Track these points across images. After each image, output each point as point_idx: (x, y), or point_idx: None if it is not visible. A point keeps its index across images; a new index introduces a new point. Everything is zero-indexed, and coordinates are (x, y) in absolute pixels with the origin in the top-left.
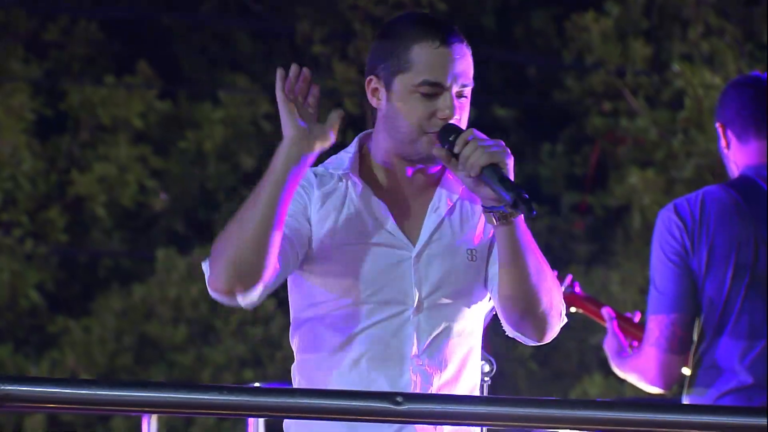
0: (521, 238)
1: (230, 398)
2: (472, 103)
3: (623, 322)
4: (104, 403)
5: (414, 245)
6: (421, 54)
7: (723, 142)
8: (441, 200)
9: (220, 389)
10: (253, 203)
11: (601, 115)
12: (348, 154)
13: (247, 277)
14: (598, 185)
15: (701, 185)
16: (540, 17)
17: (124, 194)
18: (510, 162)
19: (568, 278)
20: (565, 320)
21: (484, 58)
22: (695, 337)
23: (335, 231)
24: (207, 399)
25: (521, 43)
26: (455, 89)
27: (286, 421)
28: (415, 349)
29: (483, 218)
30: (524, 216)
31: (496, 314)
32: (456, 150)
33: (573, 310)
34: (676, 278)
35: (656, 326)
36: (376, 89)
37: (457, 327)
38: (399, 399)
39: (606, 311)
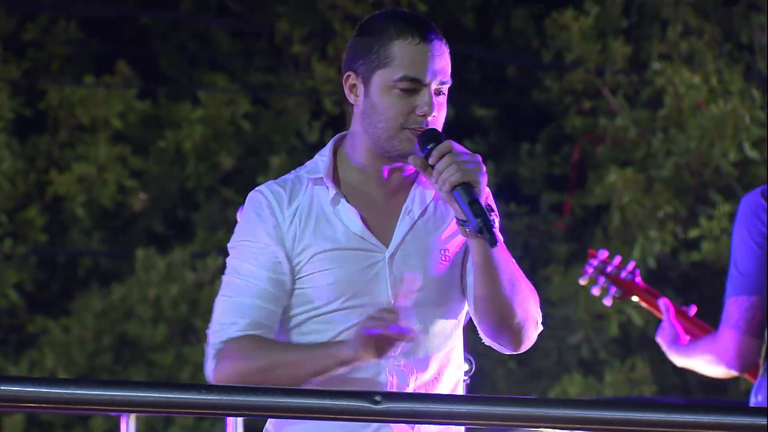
0: (494, 250)
1: (209, 397)
2: (451, 102)
3: (678, 314)
4: (84, 403)
5: (387, 247)
6: (402, 50)
7: None
8: (414, 202)
9: (199, 388)
10: (293, 369)
11: (581, 114)
12: (323, 157)
13: None
14: (577, 184)
15: (681, 184)
16: (519, 16)
17: (104, 194)
18: (483, 180)
19: (631, 264)
20: (541, 328)
21: (464, 56)
22: None
23: (307, 243)
24: (186, 398)
25: (500, 42)
26: (434, 86)
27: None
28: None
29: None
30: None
31: None
32: (431, 161)
33: (635, 299)
34: (759, 260)
35: (736, 308)
36: (354, 85)
37: (434, 327)
38: (377, 398)
39: (663, 302)
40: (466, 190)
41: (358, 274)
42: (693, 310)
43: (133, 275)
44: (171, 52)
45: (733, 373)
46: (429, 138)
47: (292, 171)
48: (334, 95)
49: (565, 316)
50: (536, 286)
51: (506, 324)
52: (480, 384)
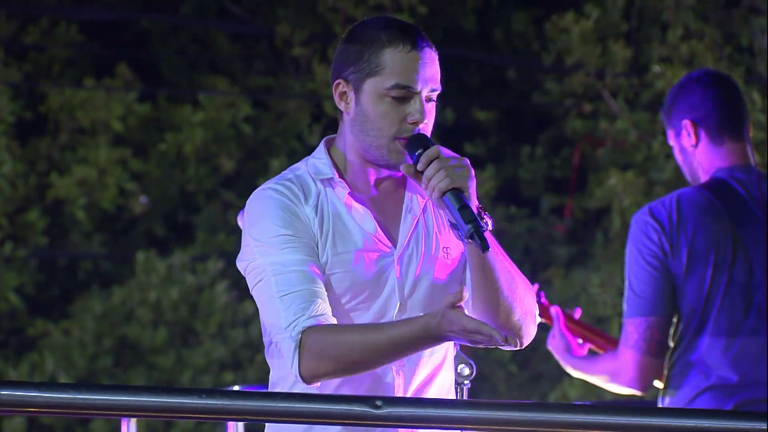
0: (490, 252)
1: (209, 402)
2: (452, 105)
3: (569, 321)
4: (85, 408)
5: (395, 247)
6: (393, 58)
7: (691, 140)
8: (413, 201)
9: (200, 393)
10: (389, 351)
11: (581, 117)
12: (321, 160)
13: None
14: (577, 187)
15: (681, 187)
16: (520, 19)
17: (104, 197)
18: (473, 184)
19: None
20: (539, 320)
21: (464, 59)
22: (671, 339)
23: (329, 244)
24: (187, 403)
25: (501, 45)
26: (425, 93)
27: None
28: None
29: None
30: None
31: None
32: (419, 167)
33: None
34: (654, 281)
35: (634, 329)
36: (344, 93)
37: None
38: (378, 403)
39: (554, 310)
40: (455, 195)
41: (371, 276)
42: (577, 313)
43: (134, 278)
44: (171, 56)
45: (635, 392)
46: (417, 143)
47: (287, 171)
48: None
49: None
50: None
51: (506, 322)
52: (480, 388)
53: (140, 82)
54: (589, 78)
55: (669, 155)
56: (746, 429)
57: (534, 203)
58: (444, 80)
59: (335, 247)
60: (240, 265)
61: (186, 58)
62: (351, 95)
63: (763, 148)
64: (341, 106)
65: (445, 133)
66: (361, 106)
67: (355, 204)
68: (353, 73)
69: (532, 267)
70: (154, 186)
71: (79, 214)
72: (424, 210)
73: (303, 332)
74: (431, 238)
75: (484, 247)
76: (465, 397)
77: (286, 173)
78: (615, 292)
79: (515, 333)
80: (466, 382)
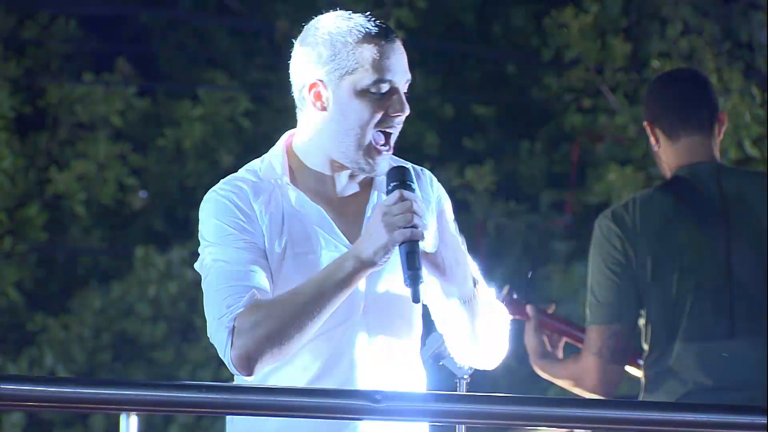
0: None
1: (209, 396)
2: (451, 101)
3: (542, 315)
4: (84, 402)
5: None
6: (370, 53)
7: (653, 140)
8: (379, 200)
9: (200, 387)
10: (316, 302)
11: (580, 113)
12: (277, 157)
13: (277, 360)
14: (577, 182)
15: None
16: (519, 14)
17: (103, 192)
18: (420, 222)
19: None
20: (512, 318)
21: (463, 55)
22: (646, 344)
23: (280, 241)
24: (187, 397)
25: (500, 40)
26: (402, 85)
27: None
28: (364, 352)
29: None
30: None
31: None
32: None
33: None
34: (617, 288)
35: (598, 336)
36: (319, 93)
37: (403, 327)
38: (378, 397)
39: (529, 308)
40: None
41: None
42: (551, 308)
43: (133, 273)
44: (170, 50)
45: (599, 397)
46: (394, 177)
47: (242, 169)
48: None
49: (565, 315)
50: (536, 284)
51: (480, 349)
52: (480, 383)
53: (139, 77)
54: (588, 73)
55: None
56: (745, 423)
57: (533, 199)
58: (443, 75)
59: (293, 248)
60: (196, 267)
61: (185, 53)
62: (328, 95)
63: (762, 144)
64: (316, 107)
65: (444, 129)
66: (339, 105)
67: (309, 205)
68: (329, 72)
69: (532, 263)
70: (154, 181)
71: (79, 209)
72: None
73: (235, 318)
74: None
75: (415, 298)
76: (464, 392)
77: (240, 172)
78: None
79: (487, 356)
80: (465, 377)
